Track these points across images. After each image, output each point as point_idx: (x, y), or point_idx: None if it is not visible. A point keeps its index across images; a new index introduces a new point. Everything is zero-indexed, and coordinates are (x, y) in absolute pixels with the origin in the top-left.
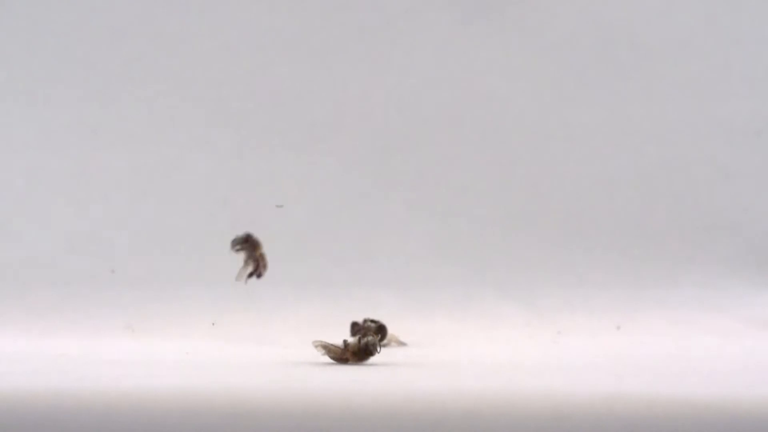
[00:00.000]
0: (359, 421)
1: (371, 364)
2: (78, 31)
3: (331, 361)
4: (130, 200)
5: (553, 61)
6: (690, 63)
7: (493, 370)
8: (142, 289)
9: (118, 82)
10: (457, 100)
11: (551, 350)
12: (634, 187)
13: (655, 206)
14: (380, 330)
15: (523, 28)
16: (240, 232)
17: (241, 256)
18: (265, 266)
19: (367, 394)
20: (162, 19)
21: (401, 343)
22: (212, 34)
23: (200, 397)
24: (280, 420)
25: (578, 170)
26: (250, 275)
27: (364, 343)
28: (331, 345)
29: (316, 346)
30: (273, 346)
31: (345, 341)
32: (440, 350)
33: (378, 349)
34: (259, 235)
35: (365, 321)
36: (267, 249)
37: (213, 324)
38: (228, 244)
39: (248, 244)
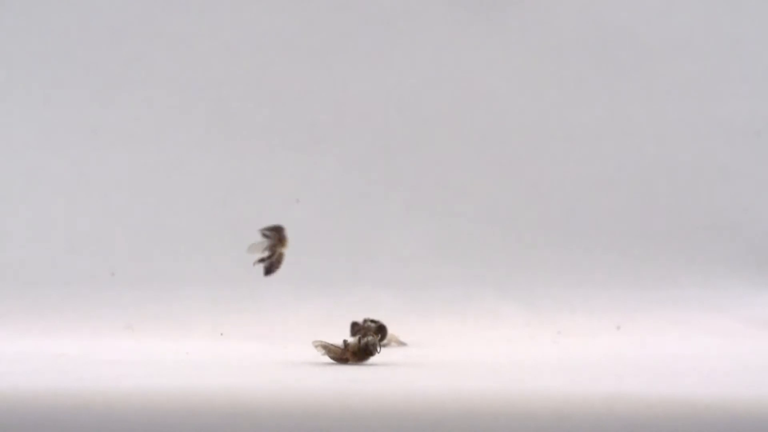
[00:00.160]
0: (359, 421)
1: (371, 364)
2: (78, 31)
3: (331, 361)
4: (130, 200)
5: (553, 61)
6: (690, 63)
7: (493, 370)
8: (142, 289)
9: (118, 83)
10: (457, 100)
11: (551, 350)
12: (634, 187)
13: (655, 206)
14: (380, 330)
15: (523, 28)
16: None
17: (262, 244)
18: (277, 265)
19: (367, 394)
20: (162, 20)
21: (401, 343)
22: (212, 35)
23: (200, 397)
24: (280, 420)
25: (578, 170)
26: (261, 261)
27: (364, 343)
28: (331, 345)
29: (316, 346)
30: (273, 346)
31: (345, 341)
32: (440, 350)
33: (378, 349)
34: (258, 234)
35: (365, 321)
36: (255, 262)
37: (221, 334)
38: (226, 245)
39: (275, 235)
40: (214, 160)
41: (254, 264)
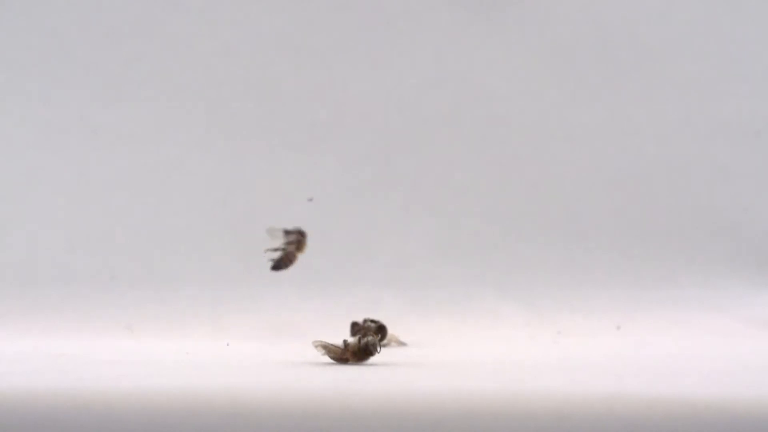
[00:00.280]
0: (359, 421)
1: (371, 364)
2: (78, 31)
3: (331, 361)
4: (130, 200)
5: (553, 61)
6: (690, 63)
7: (493, 370)
8: (142, 289)
9: (118, 83)
10: (457, 100)
11: (551, 350)
12: (634, 187)
13: (655, 206)
14: (380, 330)
15: (524, 28)
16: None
17: (280, 240)
18: (286, 264)
19: (367, 394)
20: (162, 20)
21: (401, 343)
22: (212, 35)
23: (200, 397)
24: (280, 420)
25: (578, 170)
26: (273, 251)
27: (364, 343)
28: (331, 345)
29: (316, 346)
30: (273, 346)
31: (345, 341)
32: (440, 350)
33: (378, 349)
34: (258, 234)
35: (365, 321)
36: (267, 249)
37: (228, 344)
38: (226, 245)
39: (296, 237)
40: (214, 160)
41: (264, 251)
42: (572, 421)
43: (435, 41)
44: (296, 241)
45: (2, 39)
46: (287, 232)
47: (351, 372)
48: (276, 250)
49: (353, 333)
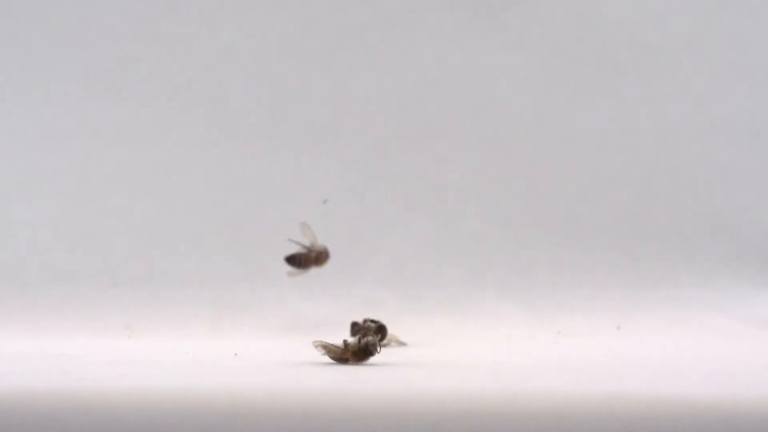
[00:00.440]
0: (359, 421)
1: (371, 364)
2: (78, 31)
3: (331, 361)
4: (130, 200)
5: (554, 61)
6: (690, 63)
7: (493, 370)
8: (141, 289)
9: (118, 82)
10: (457, 100)
11: (551, 350)
12: (634, 187)
13: (655, 206)
14: (380, 330)
15: (524, 28)
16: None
17: (308, 241)
18: (299, 263)
19: (367, 394)
20: (162, 19)
21: (401, 343)
22: (212, 34)
23: (200, 397)
24: (280, 420)
25: (578, 170)
26: (297, 243)
27: (364, 343)
28: (331, 345)
29: (316, 346)
30: (273, 346)
31: (345, 341)
32: (440, 350)
33: (378, 349)
34: (258, 234)
35: (365, 321)
36: (268, 249)
37: (236, 354)
38: (226, 245)
39: (322, 249)
40: (214, 160)
41: (288, 239)
42: (572, 421)
43: (435, 41)
44: (320, 252)
45: (2, 39)
46: (314, 244)
47: (351, 372)
48: (299, 244)
49: (353, 333)
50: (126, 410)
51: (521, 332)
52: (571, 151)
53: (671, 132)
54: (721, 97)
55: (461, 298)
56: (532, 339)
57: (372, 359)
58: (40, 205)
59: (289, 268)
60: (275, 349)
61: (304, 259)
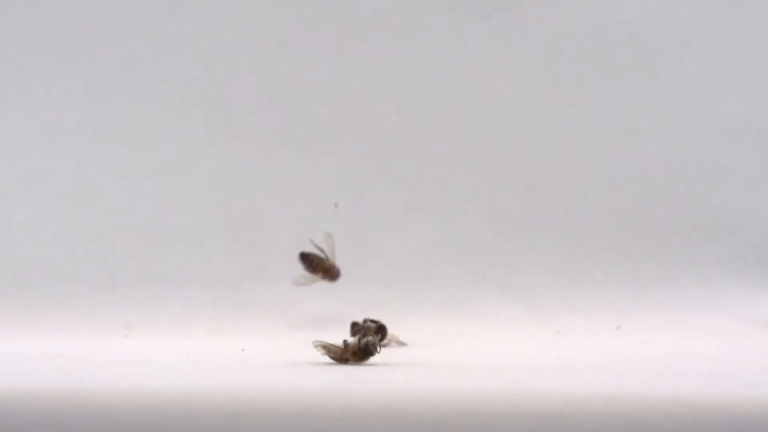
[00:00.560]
0: (359, 421)
1: (371, 364)
2: (78, 30)
3: (331, 361)
4: (130, 200)
5: (554, 61)
6: (690, 63)
7: (493, 370)
8: (142, 289)
9: (119, 82)
10: (457, 100)
11: (551, 350)
12: (634, 187)
13: (655, 206)
14: (380, 330)
15: (524, 28)
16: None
17: (327, 248)
18: (311, 266)
19: (367, 394)
20: (162, 19)
21: (401, 343)
22: (212, 34)
23: (200, 397)
24: (280, 420)
25: (578, 170)
26: (316, 247)
27: (364, 343)
28: (331, 345)
29: (316, 346)
30: (273, 346)
31: (345, 341)
32: (440, 350)
33: (378, 349)
34: (258, 234)
35: (365, 321)
36: (267, 249)
37: (243, 350)
38: (226, 245)
39: (335, 269)
40: (214, 160)
41: (310, 240)
42: (572, 421)
43: (435, 41)
44: (333, 265)
45: (2, 39)
46: (331, 255)
47: (351, 372)
48: (319, 249)
49: (353, 333)
50: (126, 410)
51: (521, 332)
52: (571, 151)
53: (671, 132)
54: (721, 97)
55: (461, 298)
56: (532, 339)
57: (372, 359)
58: (40, 206)
59: (295, 274)
60: (275, 349)
61: (317, 262)
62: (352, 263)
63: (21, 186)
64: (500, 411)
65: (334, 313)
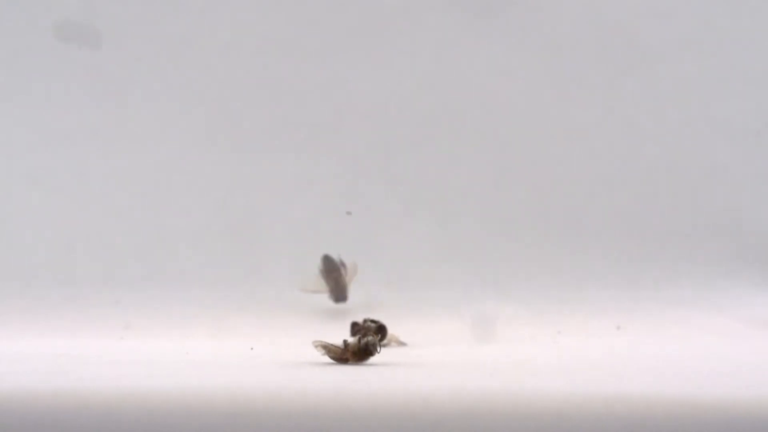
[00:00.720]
0: (359, 421)
1: (371, 364)
2: (78, 29)
3: (331, 361)
4: (130, 200)
5: (554, 61)
6: (690, 63)
7: (493, 370)
8: (142, 290)
9: (119, 82)
10: (457, 100)
11: (551, 350)
12: (634, 187)
13: (655, 206)
14: (380, 330)
15: (524, 28)
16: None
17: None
18: (331, 268)
19: (367, 394)
20: (162, 19)
21: (401, 343)
22: (212, 34)
23: (200, 397)
24: (280, 420)
25: (578, 170)
26: (341, 263)
27: (364, 343)
28: (331, 345)
29: (316, 346)
30: (273, 346)
31: (345, 341)
32: (440, 350)
33: (378, 349)
34: (258, 233)
35: (365, 321)
36: (267, 249)
37: (251, 348)
38: (226, 245)
39: (344, 289)
40: (214, 160)
41: (338, 255)
42: (572, 421)
43: (436, 41)
44: (344, 286)
45: (2, 39)
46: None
47: (351, 372)
48: (342, 264)
49: (353, 333)
50: (126, 410)
51: (521, 332)
52: (571, 151)
53: (671, 132)
54: (721, 97)
55: (461, 298)
56: (532, 339)
57: (372, 359)
58: (40, 205)
59: (302, 279)
60: (276, 349)
61: (335, 271)
62: (352, 263)
63: (21, 186)
64: (500, 411)
65: (334, 313)
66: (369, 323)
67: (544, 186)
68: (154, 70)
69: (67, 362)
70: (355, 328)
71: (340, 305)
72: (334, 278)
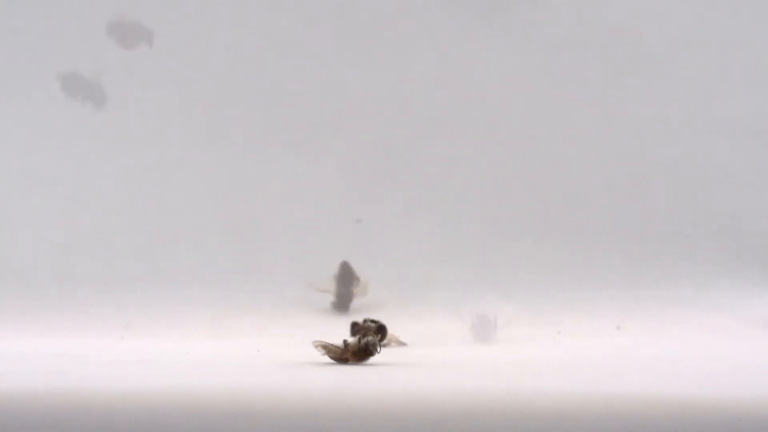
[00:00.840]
0: (359, 421)
1: (371, 364)
2: (78, 30)
3: (331, 361)
4: (130, 200)
5: (554, 61)
6: (690, 63)
7: (493, 370)
8: (142, 289)
9: (119, 82)
10: (458, 100)
11: (551, 350)
12: (634, 187)
13: (655, 206)
14: (380, 330)
15: (524, 28)
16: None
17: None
18: (346, 276)
19: (367, 394)
20: (162, 19)
21: (401, 343)
22: (212, 34)
23: (200, 397)
24: (280, 420)
25: (578, 170)
26: (351, 292)
27: (364, 343)
28: (331, 345)
29: (316, 346)
30: (273, 346)
31: (345, 341)
32: (440, 350)
33: (378, 349)
34: (258, 233)
35: (365, 321)
36: (267, 249)
37: (258, 350)
38: (226, 245)
39: (347, 295)
40: (214, 160)
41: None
42: (572, 421)
43: (436, 41)
44: (351, 297)
45: (2, 39)
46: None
47: (351, 372)
48: (357, 278)
49: (353, 333)
50: (126, 410)
51: (521, 332)
52: (571, 151)
53: (671, 132)
54: (721, 97)
55: (461, 298)
56: (532, 339)
57: (372, 359)
58: (40, 205)
59: (312, 279)
60: (275, 349)
61: (349, 280)
62: (353, 263)
63: (21, 186)
64: (500, 411)
65: (334, 313)
66: (369, 323)
67: (544, 186)
68: (154, 69)
69: (67, 362)
70: (355, 328)
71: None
72: (345, 287)
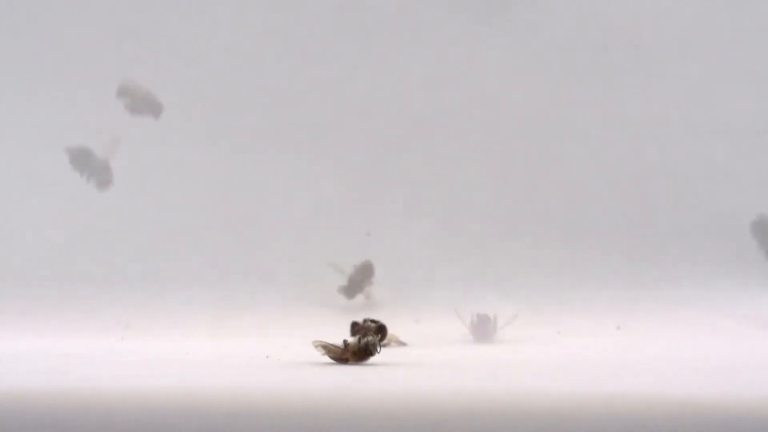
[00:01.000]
0: (359, 421)
1: (371, 364)
2: (78, 30)
3: (331, 361)
4: (130, 200)
5: (554, 61)
6: (690, 63)
7: (493, 370)
8: (142, 289)
9: (118, 82)
10: (458, 100)
11: (551, 350)
12: (634, 187)
13: (655, 206)
14: (380, 330)
15: (524, 28)
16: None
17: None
18: (361, 275)
19: (367, 394)
20: (162, 19)
21: (401, 343)
22: (212, 34)
23: (200, 397)
24: (280, 420)
25: (578, 170)
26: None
27: (364, 343)
28: (331, 345)
29: (316, 346)
30: (273, 346)
31: (345, 341)
32: (440, 350)
33: (378, 349)
34: (258, 233)
35: (365, 321)
36: (267, 249)
37: (267, 357)
38: (226, 245)
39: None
40: (214, 160)
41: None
42: (572, 421)
43: (436, 41)
44: (357, 291)
45: (2, 39)
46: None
47: (351, 372)
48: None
49: (353, 333)
50: (126, 410)
51: (521, 332)
52: (571, 151)
53: (671, 132)
54: (721, 97)
55: (461, 298)
56: (532, 339)
57: (372, 359)
58: (40, 205)
59: (337, 262)
60: (275, 349)
61: (367, 276)
62: (353, 262)
63: (21, 186)
64: (500, 411)
65: (334, 313)
66: (369, 323)
67: (544, 186)
68: (154, 69)
69: (67, 362)
70: (355, 328)
71: (340, 302)
72: (360, 277)
